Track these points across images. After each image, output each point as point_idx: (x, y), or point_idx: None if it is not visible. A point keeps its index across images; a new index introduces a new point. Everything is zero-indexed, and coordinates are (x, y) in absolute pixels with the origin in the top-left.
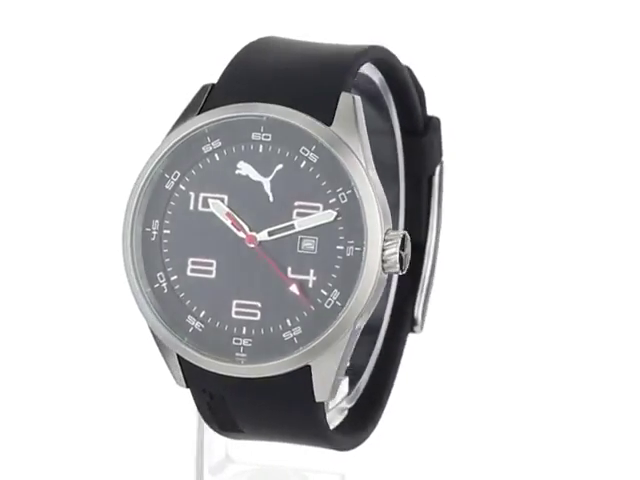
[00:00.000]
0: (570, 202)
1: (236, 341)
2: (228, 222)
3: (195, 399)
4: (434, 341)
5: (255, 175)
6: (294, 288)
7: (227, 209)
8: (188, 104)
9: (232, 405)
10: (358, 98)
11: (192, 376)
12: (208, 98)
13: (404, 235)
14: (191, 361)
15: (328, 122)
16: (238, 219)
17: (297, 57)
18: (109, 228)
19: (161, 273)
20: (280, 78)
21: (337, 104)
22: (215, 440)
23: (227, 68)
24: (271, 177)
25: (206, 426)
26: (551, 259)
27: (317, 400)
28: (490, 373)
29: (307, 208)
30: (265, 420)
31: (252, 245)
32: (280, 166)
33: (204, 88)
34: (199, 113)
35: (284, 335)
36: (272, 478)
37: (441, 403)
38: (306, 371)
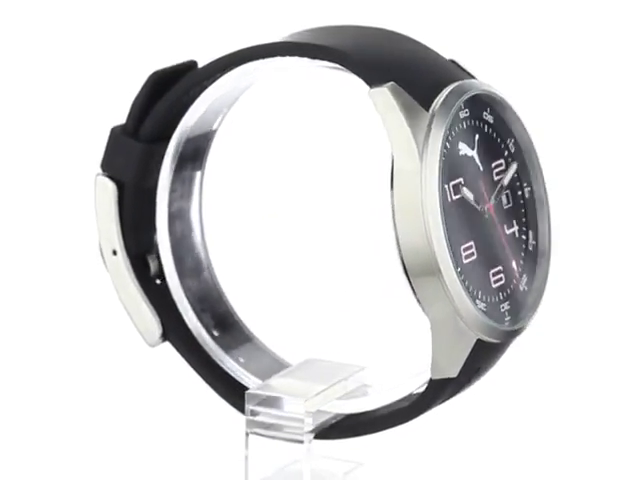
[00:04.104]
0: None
1: (502, 307)
2: (471, 198)
3: (460, 380)
4: None
5: (469, 151)
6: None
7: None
8: (401, 106)
9: (480, 371)
10: None
11: (474, 355)
12: (415, 96)
13: None
14: (489, 339)
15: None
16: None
17: (405, 45)
18: None
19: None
20: (431, 63)
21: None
22: None
23: (392, 68)
24: (476, 149)
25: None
26: None
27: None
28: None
29: (498, 167)
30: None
31: (489, 214)
32: (477, 136)
33: (395, 89)
34: (428, 110)
35: (520, 287)
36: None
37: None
38: None
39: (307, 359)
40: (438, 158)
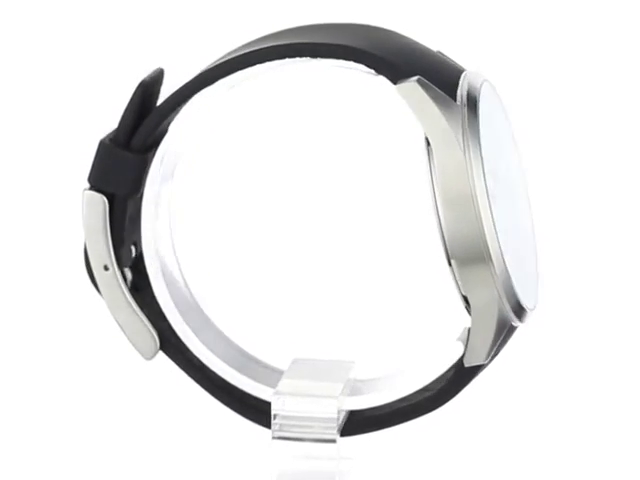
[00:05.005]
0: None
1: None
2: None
3: (484, 366)
4: None
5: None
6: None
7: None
8: (432, 99)
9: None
10: None
11: (502, 340)
12: (440, 88)
13: None
14: (519, 323)
15: None
16: None
17: (402, 40)
18: None
19: None
20: (433, 56)
21: None
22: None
23: (410, 63)
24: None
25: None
26: None
27: None
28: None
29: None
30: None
31: (503, 199)
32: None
33: (422, 82)
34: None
35: (524, 270)
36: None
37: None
38: None
39: (295, 359)
40: (479, 147)
